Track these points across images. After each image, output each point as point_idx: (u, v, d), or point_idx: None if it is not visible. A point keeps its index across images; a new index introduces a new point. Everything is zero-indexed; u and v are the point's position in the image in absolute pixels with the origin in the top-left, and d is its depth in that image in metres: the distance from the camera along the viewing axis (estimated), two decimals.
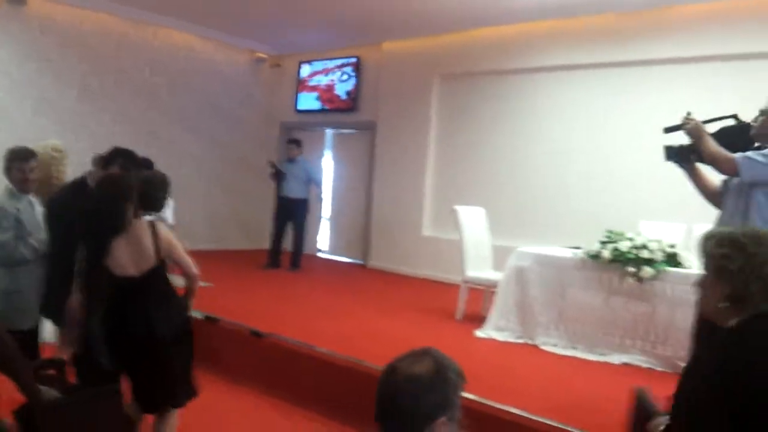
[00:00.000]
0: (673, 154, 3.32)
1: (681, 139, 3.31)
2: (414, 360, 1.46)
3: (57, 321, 3.28)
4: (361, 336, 4.89)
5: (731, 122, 3.32)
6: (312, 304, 6.21)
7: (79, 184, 3.39)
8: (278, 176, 8.24)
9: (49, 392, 2.46)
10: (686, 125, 3.24)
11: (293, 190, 8.14)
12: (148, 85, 8.97)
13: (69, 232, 2.90)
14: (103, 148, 8.84)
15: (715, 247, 1.69)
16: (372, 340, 4.71)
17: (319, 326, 5.05)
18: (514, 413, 3.32)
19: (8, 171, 3.54)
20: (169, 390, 2.83)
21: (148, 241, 2.79)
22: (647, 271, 4.53)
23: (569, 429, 3.15)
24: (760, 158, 3.01)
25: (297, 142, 8.39)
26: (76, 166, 8.25)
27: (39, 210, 3.60)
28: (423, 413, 1.41)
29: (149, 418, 2.92)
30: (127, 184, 2.84)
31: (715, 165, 3.17)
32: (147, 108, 8.99)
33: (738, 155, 3.07)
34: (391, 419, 1.44)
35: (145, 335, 2.73)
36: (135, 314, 2.74)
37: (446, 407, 1.43)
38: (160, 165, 8.76)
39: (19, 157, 3.52)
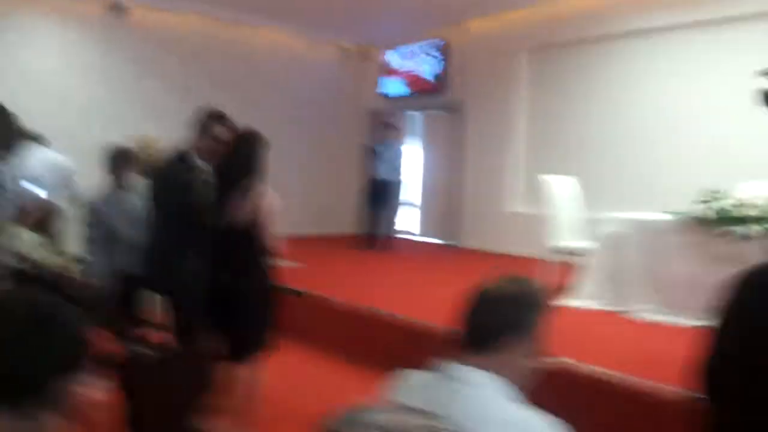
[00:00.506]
0: None
1: None
2: (502, 282, 1.53)
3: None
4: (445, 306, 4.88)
5: None
6: (398, 277, 6.29)
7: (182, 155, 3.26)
8: (373, 158, 8.36)
9: (144, 350, 2.66)
10: None
11: (387, 172, 8.25)
12: (243, 84, 9.38)
13: (182, 202, 3.03)
14: None
15: None
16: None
17: (403, 296, 5.13)
18: (611, 375, 3.23)
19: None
20: (253, 338, 3.01)
21: (255, 198, 2.99)
22: (755, 229, 4.22)
23: (669, 387, 3.01)
24: None
25: (392, 126, 8.50)
26: None
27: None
28: (495, 327, 1.44)
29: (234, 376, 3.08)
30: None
31: None
32: (243, 106, 9.35)
33: None
34: (466, 332, 1.47)
35: (238, 285, 2.94)
36: (232, 262, 2.96)
37: (517, 327, 1.44)
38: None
39: None
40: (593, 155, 7.47)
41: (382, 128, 8.60)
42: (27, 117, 7.57)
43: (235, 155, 3.07)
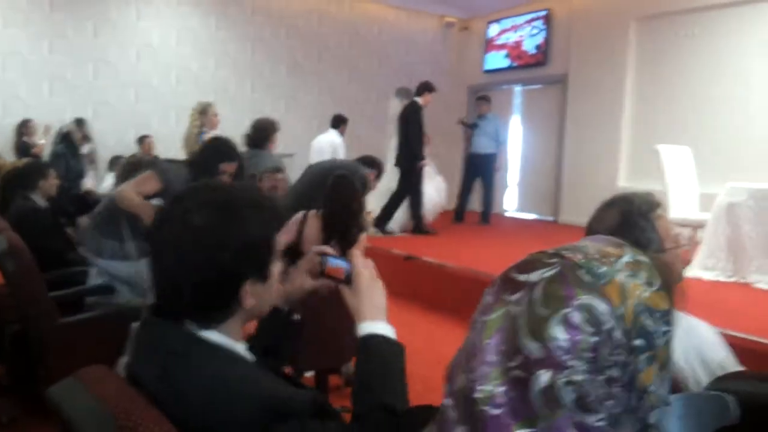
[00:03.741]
0: None
1: None
2: (601, 214, 1.58)
3: None
4: None
5: None
6: (497, 249, 6.34)
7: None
8: (471, 129, 8.40)
9: None
10: None
11: (483, 145, 8.26)
12: (348, 58, 9.63)
13: None
14: (311, 119, 9.76)
15: None
16: None
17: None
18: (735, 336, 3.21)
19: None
20: None
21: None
22: None
23: None
24: None
25: (486, 98, 8.50)
26: (287, 132, 9.22)
27: None
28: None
29: None
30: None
31: None
32: (348, 80, 9.65)
33: None
34: None
35: None
36: None
37: (643, 245, 1.48)
38: (363, 131, 9.44)
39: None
40: (705, 126, 7.22)
41: (478, 102, 8.59)
42: (148, 90, 8.21)
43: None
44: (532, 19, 9.38)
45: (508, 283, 0.69)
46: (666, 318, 0.68)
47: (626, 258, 0.70)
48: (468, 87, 10.55)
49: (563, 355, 0.63)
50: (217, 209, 1.02)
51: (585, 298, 0.64)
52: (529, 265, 0.70)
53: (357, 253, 1.21)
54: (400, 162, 7.07)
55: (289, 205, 3.63)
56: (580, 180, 8.59)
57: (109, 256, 3.09)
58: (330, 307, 2.55)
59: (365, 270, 1.19)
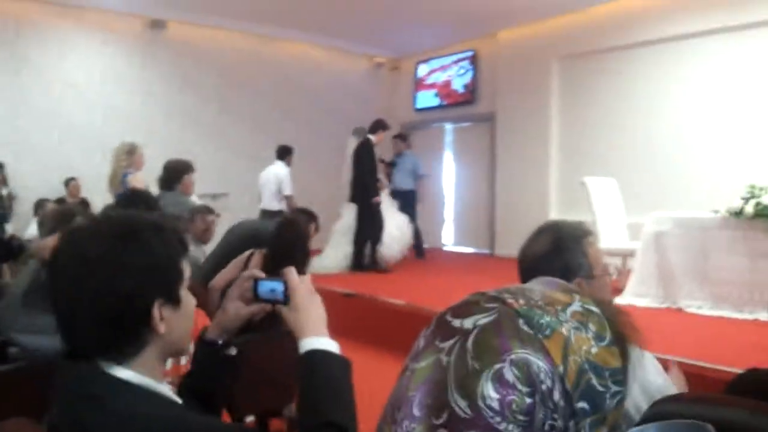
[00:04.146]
0: None
1: None
2: (533, 240, 1.60)
3: None
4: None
5: None
6: (432, 281, 6.35)
7: None
8: (390, 167, 8.47)
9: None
10: None
11: (402, 182, 8.32)
12: (280, 97, 9.59)
13: None
14: (244, 158, 9.63)
15: None
16: None
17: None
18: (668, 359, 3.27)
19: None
20: None
21: None
22: None
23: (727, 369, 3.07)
24: None
25: (402, 137, 8.69)
26: (218, 171, 9.05)
27: None
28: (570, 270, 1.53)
29: None
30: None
31: None
32: (281, 119, 9.60)
33: None
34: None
35: None
36: None
37: (572, 271, 1.52)
38: (297, 169, 9.37)
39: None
40: (628, 159, 7.53)
41: (394, 141, 8.64)
42: (73, 127, 7.93)
43: None
44: (459, 60, 9.65)
45: (441, 328, 0.63)
46: (617, 377, 0.62)
47: (574, 307, 0.64)
48: (400, 125, 10.67)
49: (494, 417, 0.56)
50: (114, 237, 0.97)
51: (521, 353, 0.58)
52: (465, 308, 0.64)
53: (291, 269, 1.13)
54: (354, 199, 7.18)
55: (210, 268, 3.53)
56: (513, 213, 8.76)
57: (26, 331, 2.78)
58: (267, 345, 2.47)
59: (302, 285, 1.13)
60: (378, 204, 7.15)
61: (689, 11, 6.96)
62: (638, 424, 0.75)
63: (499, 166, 9.13)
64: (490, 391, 0.56)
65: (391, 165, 8.53)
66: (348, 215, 7.41)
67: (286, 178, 7.33)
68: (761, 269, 4.46)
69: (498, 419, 0.56)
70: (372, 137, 7.17)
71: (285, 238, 2.99)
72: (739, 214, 4.56)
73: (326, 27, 9.07)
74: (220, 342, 1.20)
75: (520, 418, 0.56)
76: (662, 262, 4.97)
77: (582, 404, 0.59)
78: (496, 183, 9.16)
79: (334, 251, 7.27)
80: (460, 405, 0.57)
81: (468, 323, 0.61)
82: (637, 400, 1.39)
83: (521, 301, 0.62)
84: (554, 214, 8.26)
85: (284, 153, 7.53)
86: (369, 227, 7.10)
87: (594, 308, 0.64)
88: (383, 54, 10.52)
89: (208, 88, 9.01)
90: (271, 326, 2.79)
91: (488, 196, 9.33)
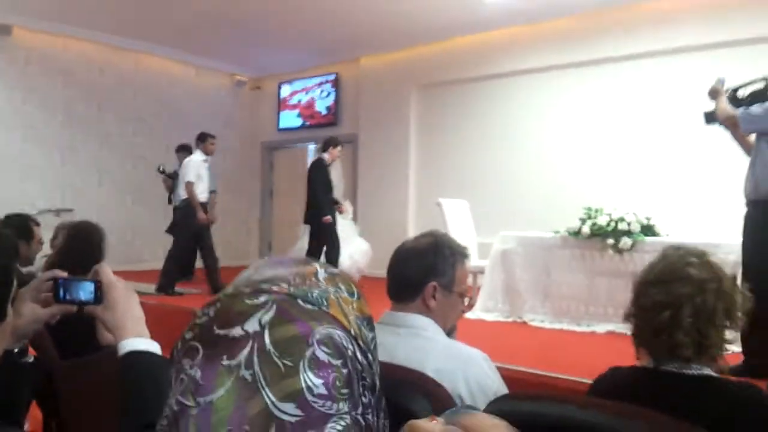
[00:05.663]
0: (710, 118, 3.52)
1: None
2: (418, 237, 1.74)
3: None
4: None
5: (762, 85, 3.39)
6: None
7: None
8: (171, 179, 7.64)
9: None
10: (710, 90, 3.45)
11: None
12: (133, 110, 9.16)
13: None
14: (92, 172, 9.09)
15: None
16: None
17: None
18: (514, 369, 3.52)
19: None
20: None
21: None
22: (626, 241, 4.77)
23: (569, 378, 3.35)
24: (757, 110, 3.19)
25: (187, 148, 7.63)
26: (64, 188, 8.46)
27: None
28: (414, 275, 1.64)
29: None
30: None
31: (726, 123, 3.37)
32: (133, 133, 9.17)
33: (739, 110, 3.26)
34: (391, 283, 1.68)
35: None
36: None
37: (436, 273, 1.65)
38: (147, 187, 9.00)
39: None
40: (479, 183, 8.01)
41: (178, 153, 7.77)
42: None
43: None
44: (322, 82, 9.78)
45: (218, 344, 0.55)
46: (371, 324, 0.64)
47: (321, 273, 0.64)
48: (262, 143, 10.61)
49: (324, 403, 0.54)
50: None
51: (321, 330, 0.57)
52: (233, 315, 0.57)
53: (104, 264, 1.06)
54: (307, 219, 6.87)
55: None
56: (374, 234, 8.93)
57: None
58: (84, 371, 2.35)
59: (119, 282, 1.05)
60: (330, 224, 6.73)
61: (539, 48, 7.59)
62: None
63: (360, 188, 9.32)
64: (313, 379, 0.54)
65: (172, 176, 7.64)
66: (304, 237, 7.11)
67: (190, 164, 6.69)
68: (597, 285, 4.91)
69: (329, 403, 0.54)
70: (325, 155, 6.88)
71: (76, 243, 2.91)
72: (577, 233, 5.00)
73: (186, 42, 8.84)
74: (16, 350, 1.11)
75: (344, 391, 0.55)
76: (508, 278, 5.32)
77: (369, 356, 0.61)
78: (357, 204, 9.33)
79: None
80: (287, 410, 0.52)
81: (251, 326, 0.56)
82: (476, 400, 1.48)
83: (283, 285, 0.60)
84: (412, 233, 8.55)
85: (198, 141, 6.92)
86: (325, 247, 6.73)
87: (334, 270, 0.65)
88: (245, 73, 10.41)
89: (54, 98, 8.42)
90: (83, 349, 2.64)
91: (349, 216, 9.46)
